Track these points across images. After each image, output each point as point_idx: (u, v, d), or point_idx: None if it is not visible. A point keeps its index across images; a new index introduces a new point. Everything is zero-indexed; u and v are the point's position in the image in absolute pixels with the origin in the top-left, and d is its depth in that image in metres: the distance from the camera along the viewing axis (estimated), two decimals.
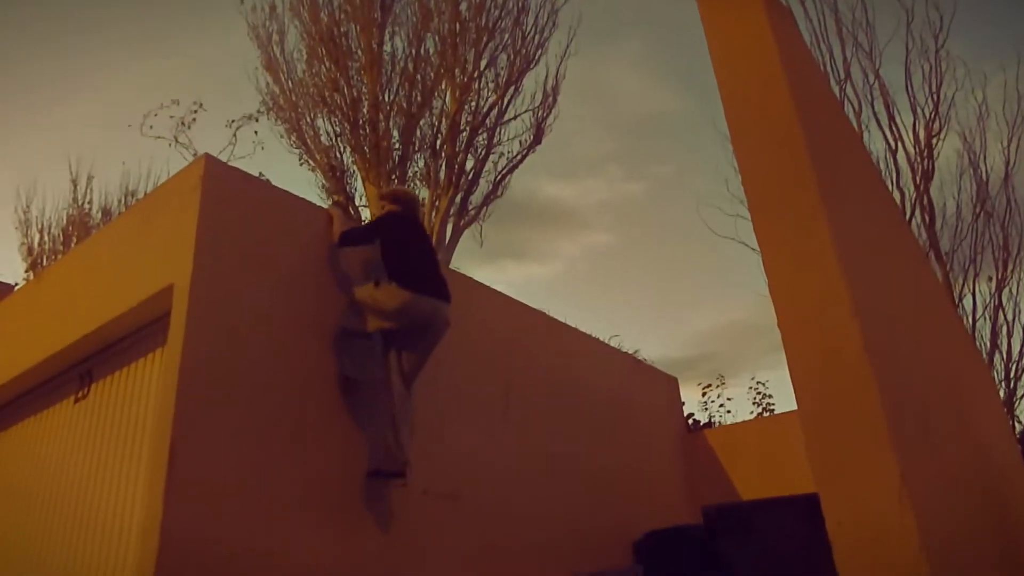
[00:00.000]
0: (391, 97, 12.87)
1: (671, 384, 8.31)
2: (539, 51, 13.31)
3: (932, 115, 10.41)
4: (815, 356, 2.02)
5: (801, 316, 2.06)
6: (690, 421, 10.98)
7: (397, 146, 12.75)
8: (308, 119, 12.91)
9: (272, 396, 3.93)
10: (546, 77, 13.35)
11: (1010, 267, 10.30)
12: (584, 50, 13.17)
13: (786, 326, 2.09)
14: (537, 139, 13.32)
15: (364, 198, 12.79)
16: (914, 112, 10.24)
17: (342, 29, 12.96)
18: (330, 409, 4.21)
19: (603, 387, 6.98)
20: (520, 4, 13.19)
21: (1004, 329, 10.15)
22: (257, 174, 5.60)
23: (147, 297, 4.14)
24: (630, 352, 10.15)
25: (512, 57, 13.17)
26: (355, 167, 12.73)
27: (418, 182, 12.90)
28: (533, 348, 6.28)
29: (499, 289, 6.30)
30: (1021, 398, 10.15)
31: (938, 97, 10.32)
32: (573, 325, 7.39)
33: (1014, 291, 10.32)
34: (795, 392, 2.07)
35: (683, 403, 8.51)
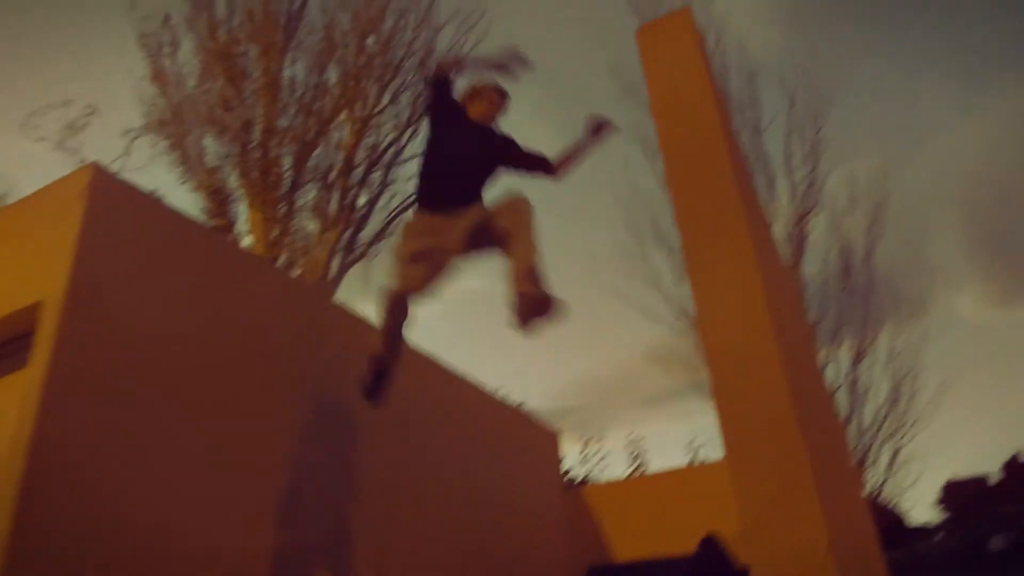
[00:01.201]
0: (287, 123, 12.50)
1: (552, 439, 8.33)
2: None
3: (807, 193, 11.32)
4: (742, 402, 2.06)
5: (729, 352, 2.11)
6: (567, 475, 11.03)
7: (288, 174, 12.35)
8: (194, 137, 12.27)
9: (148, 423, 3.58)
10: None
11: (867, 341, 11.23)
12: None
13: (713, 362, 2.13)
14: None
15: (248, 223, 12.24)
16: (792, 188, 11.11)
17: (240, 48, 12.53)
18: (217, 436, 3.89)
19: (487, 438, 6.90)
20: (428, 46, 13.28)
21: (860, 398, 10.98)
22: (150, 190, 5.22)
23: (5, 315, 3.70)
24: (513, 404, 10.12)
25: (416, 97, 13.17)
26: (241, 191, 12.18)
27: (308, 213, 12.52)
28: (419, 392, 6.13)
29: None
30: (870, 466, 10.96)
31: (813, 177, 11.25)
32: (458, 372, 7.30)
33: (869, 364, 11.24)
34: (723, 437, 2.10)
35: (562, 458, 8.54)
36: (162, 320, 3.85)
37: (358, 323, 5.84)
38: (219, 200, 12.06)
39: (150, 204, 4.23)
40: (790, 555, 1.95)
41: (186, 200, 12.35)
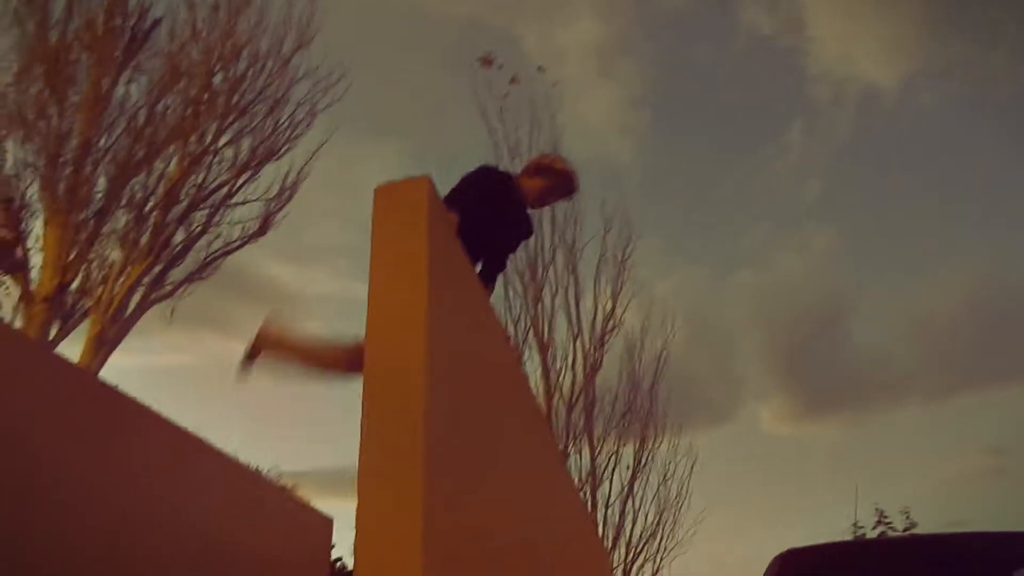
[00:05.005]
0: (108, 143, 11.68)
1: (324, 525, 7.96)
2: (288, 146, 13.06)
3: (609, 314, 11.98)
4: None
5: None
6: (338, 564, 10.55)
7: (99, 196, 11.48)
8: None
9: None
10: (288, 172, 13.05)
11: (642, 462, 11.88)
12: (341, 141, 13.08)
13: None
14: (262, 231, 12.82)
15: (41, 240, 11.19)
16: (596, 307, 11.73)
17: (72, 56, 11.67)
18: None
19: (249, 523, 6.47)
20: (279, 95, 12.96)
21: (631, 516, 11.51)
22: None
23: None
24: (284, 485, 9.66)
25: (257, 143, 12.76)
26: (40, 205, 11.15)
27: (114, 241, 11.65)
28: (168, 467, 5.67)
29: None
30: None
31: (615, 300, 11.95)
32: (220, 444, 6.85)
33: (642, 484, 11.87)
34: None
35: (333, 545, 8.19)
36: None
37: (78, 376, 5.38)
38: (11, 211, 10.97)
39: None
40: None
41: None
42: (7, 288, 10.84)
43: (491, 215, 3.26)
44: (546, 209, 14.21)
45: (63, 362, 5.36)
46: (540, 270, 11.54)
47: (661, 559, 11.29)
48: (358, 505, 2.14)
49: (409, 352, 2.28)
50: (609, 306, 11.81)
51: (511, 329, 10.98)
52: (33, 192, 11.18)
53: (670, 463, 11.78)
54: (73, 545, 4.64)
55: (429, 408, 2.24)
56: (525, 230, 3.63)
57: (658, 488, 11.61)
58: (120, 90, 11.95)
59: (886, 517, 15.19)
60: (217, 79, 12.37)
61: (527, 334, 11.13)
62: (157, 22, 12.35)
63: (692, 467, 11.76)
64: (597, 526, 10.35)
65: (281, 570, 6.99)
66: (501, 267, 3.65)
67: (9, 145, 11.18)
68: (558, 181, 3.54)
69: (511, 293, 11.34)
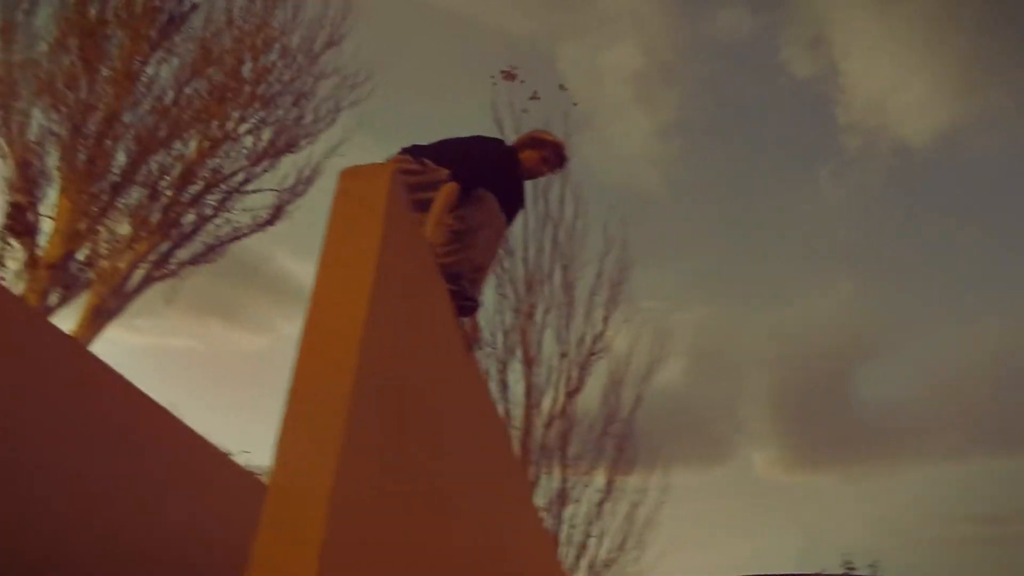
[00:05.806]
0: (132, 119, 11.88)
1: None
2: (308, 140, 13.23)
3: (597, 336, 12.01)
4: None
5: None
6: None
7: (116, 170, 11.66)
8: (23, 104, 11.41)
9: None
10: (305, 166, 13.22)
11: (613, 487, 11.90)
12: (362, 141, 13.23)
13: None
14: (271, 221, 13.00)
15: (55, 208, 11.37)
16: (585, 328, 11.76)
17: (108, 31, 11.91)
18: None
19: (205, 501, 6.51)
20: (305, 89, 13.16)
21: (596, 539, 11.48)
22: None
23: None
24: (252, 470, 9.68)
25: (278, 134, 12.94)
26: (57, 173, 11.35)
27: (125, 215, 11.82)
28: (138, 441, 5.73)
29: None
30: None
31: (606, 323, 11.99)
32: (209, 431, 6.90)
33: (611, 509, 11.86)
34: None
35: None
36: None
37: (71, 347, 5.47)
38: (28, 176, 11.17)
39: None
40: None
41: None
42: (14, 251, 11.01)
43: (497, 190, 3.34)
44: (548, 228, 14.42)
45: (55, 330, 5.46)
46: (537, 285, 11.64)
47: None
48: (267, 499, 2.13)
49: (344, 338, 2.29)
50: (599, 328, 11.84)
51: (499, 339, 11.08)
52: (52, 160, 11.39)
53: (640, 491, 11.79)
54: (52, 510, 4.71)
55: (356, 402, 2.25)
56: (520, 202, 3.72)
57: (626, 515, 11.58)
58: (150, 69, 12.18)
59: (853, 567, 15.06)
60: (246, 68, 12.58)
61: (516, 347, 11.21)
62: (195, 7, 12.60)
63: (662, 498, 11.79)
64: (557, 543, 10.34)
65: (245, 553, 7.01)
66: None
67: (36, 112, 11.41)
68: (549, 152, 3.67)
69: (503, 303, 11.48)
